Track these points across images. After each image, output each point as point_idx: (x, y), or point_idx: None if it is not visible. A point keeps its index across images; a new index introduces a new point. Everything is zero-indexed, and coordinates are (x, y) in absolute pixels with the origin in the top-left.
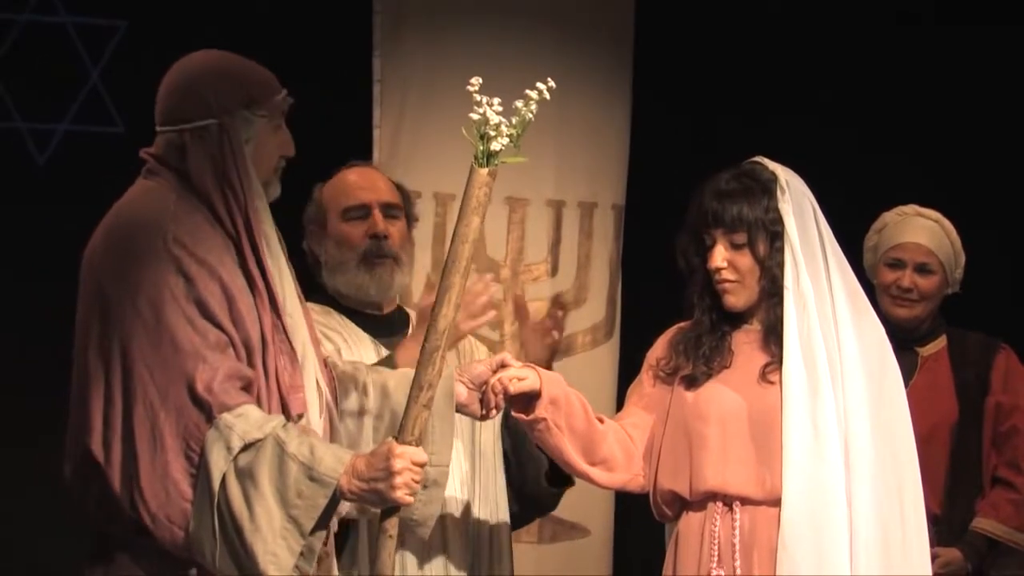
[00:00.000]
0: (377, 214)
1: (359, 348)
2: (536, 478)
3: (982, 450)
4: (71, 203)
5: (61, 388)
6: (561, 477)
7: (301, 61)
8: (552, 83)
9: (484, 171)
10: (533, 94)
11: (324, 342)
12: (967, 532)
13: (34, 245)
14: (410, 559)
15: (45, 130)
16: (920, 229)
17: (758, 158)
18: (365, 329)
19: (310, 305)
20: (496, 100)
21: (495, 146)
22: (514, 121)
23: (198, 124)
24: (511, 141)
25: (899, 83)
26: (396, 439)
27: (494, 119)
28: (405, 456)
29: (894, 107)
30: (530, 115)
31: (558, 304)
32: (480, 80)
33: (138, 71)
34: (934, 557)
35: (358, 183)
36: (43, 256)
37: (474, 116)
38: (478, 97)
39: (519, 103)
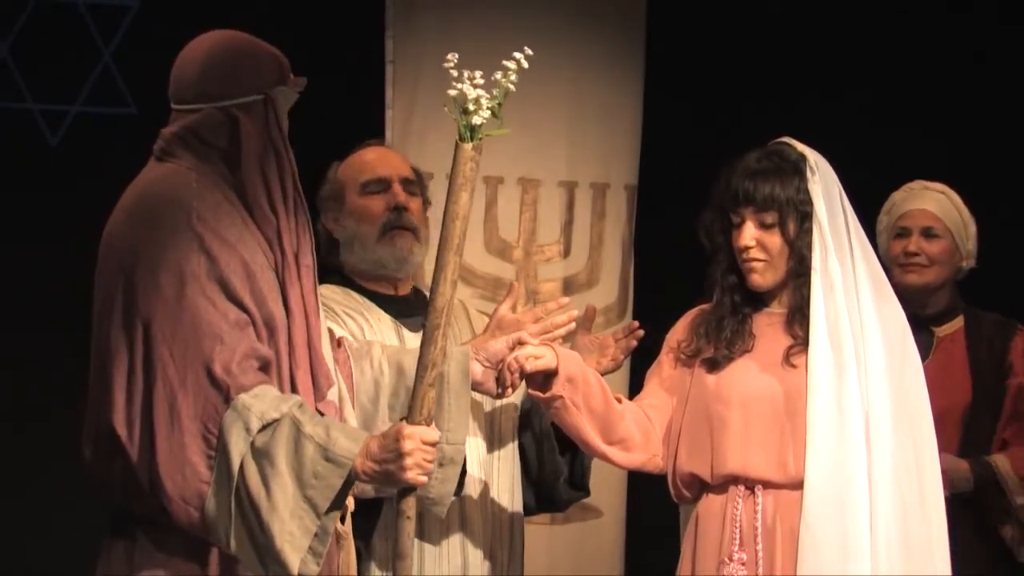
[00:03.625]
0: (397, 186)
1: (380, 328)
2: (556, 482)
3: (994, 432)
4: (83, 185)
5: (76, 367)
6: (579, 483)
7: (314, 41)
8: (529, 51)
9: (468, 146)
10: (511, 64)
11: (346, 322)
12: (981, 457)
13: (46, 227)
14: (429, 537)
15: (57, 111)
16: (925, 198)
17: (785, 138)
18: (385, 310)
19: (328, 286)
20: (478, 73)
21: (477, 120)
22: (494, 93)
23: (245, 100)
24: (493, 114)
25: (913, 64)
26: (406, 420)
27: (472, 93)
28: (415, 436)
29: (908, 88)
30: (510, 86)
31: (589, 315)
32: (456, 56)
33: (151, 52)
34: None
35: (376, 159)
36: (55, 238)
37: (452, 92)
38: (455, 73)
39: (498, 75)
